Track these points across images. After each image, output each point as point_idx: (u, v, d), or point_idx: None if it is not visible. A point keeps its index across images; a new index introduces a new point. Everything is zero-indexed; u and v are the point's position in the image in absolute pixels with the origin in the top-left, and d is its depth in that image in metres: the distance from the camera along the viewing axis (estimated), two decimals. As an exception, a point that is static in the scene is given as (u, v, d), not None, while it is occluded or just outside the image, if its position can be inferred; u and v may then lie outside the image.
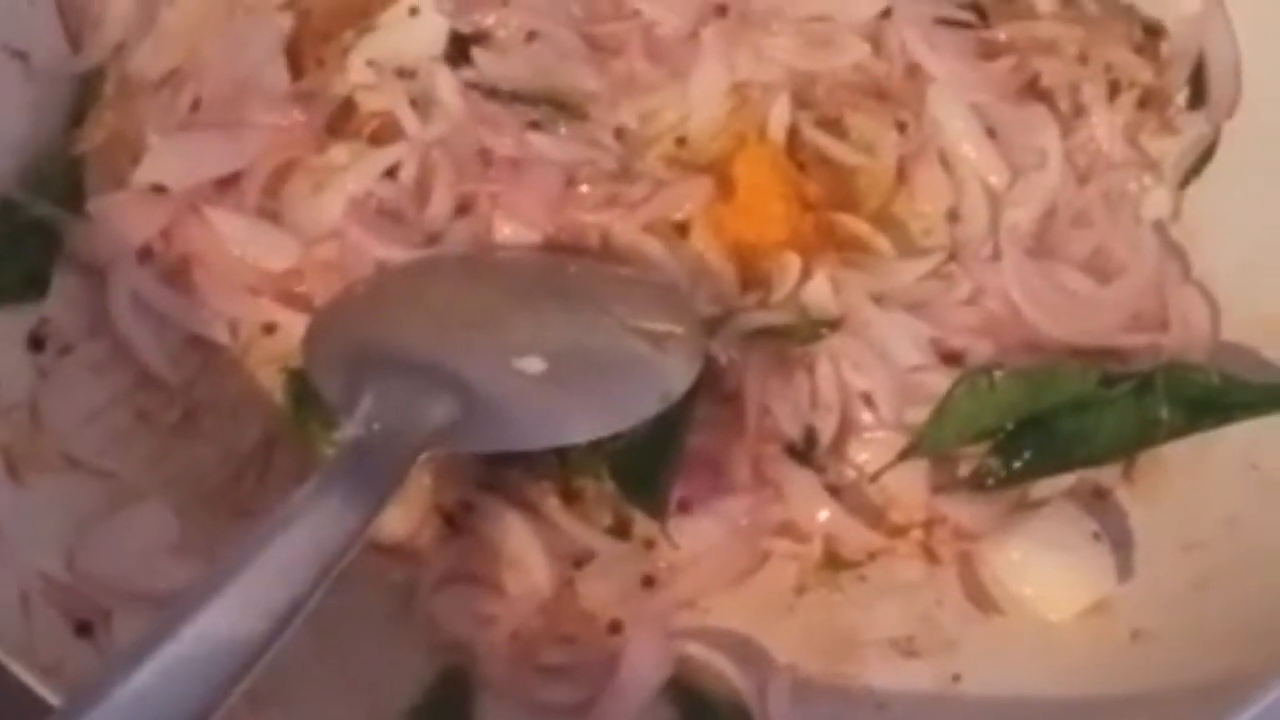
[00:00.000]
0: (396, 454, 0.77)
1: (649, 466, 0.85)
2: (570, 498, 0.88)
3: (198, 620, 0.67)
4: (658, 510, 0.85)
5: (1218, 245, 0.97)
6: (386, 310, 0.88)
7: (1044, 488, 0.90)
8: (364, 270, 0.92)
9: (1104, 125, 1.00)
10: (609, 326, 0.87)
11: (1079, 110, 1.00)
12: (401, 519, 0.85)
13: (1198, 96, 1.01)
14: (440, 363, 0.83)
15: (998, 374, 0.88)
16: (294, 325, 0.91)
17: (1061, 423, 0.89)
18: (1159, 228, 0.99)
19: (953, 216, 0.98)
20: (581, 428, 0.83)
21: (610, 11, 1.02)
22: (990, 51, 1.01)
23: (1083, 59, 1.01)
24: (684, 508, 0.87)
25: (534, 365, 0.84)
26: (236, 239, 0.93)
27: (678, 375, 0.85)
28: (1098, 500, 0.91)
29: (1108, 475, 0.91)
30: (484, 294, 0.90)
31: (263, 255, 0.93)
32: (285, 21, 1.01)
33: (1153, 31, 1.03)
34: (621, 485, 0.85)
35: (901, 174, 0.98)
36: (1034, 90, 1.01)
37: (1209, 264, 0.97)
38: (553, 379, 0.84)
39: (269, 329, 0.92)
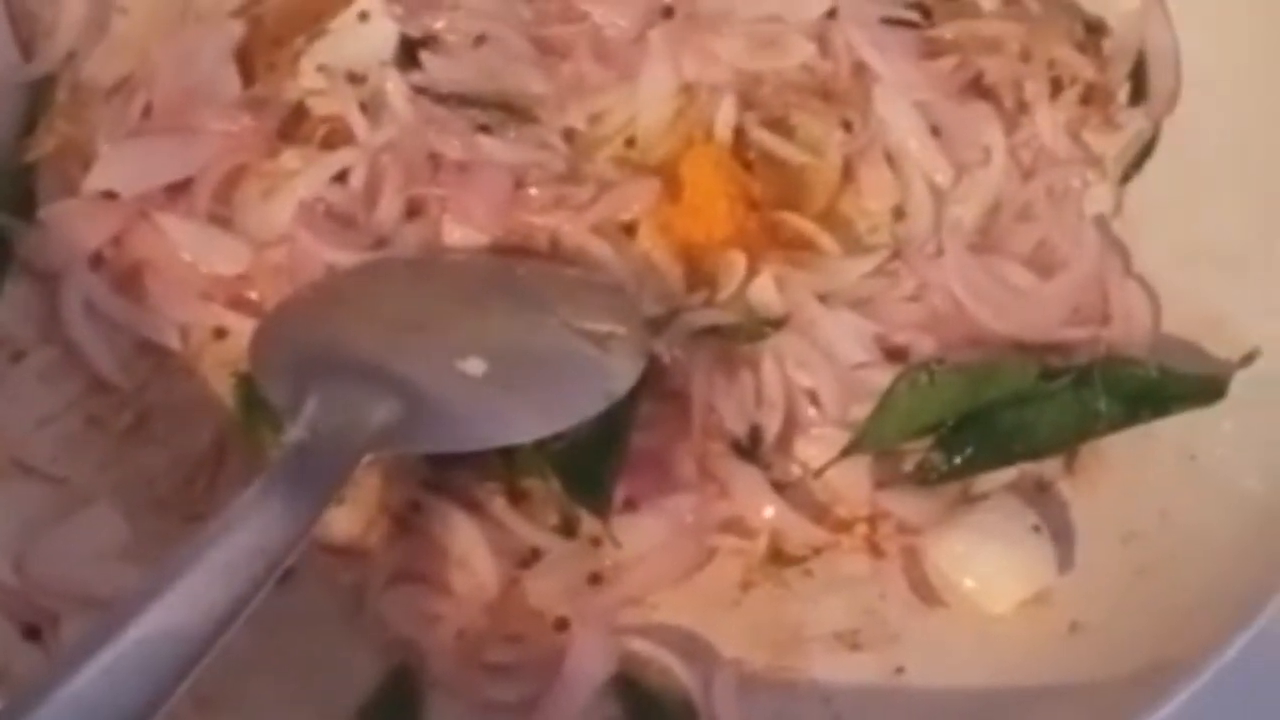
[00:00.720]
0: (339, 456, 0.78)
1: (593, 465, 0.85)
2: (517, 497, 0.89)
3: (140, 621, 0.68)
4: (601, 508, 0.85)
5: (1158, 239, 0.98)
6: (333, 314, 0.89)
7: (986, 481, 0.91)
8: (314, 274, 0.92)
9: (1047, 122, 1.00)
10: (553, 327, 0.88)
11: (1023, 107, 1.01)
12: (351, 519, 0.86)
13: (1138, 92, 1.02)
14: (384, 366, 0.84)
15: (938, 370, 0.89)
16: (244, 330, 0.91)
17: (1002, 417, 0.90)
18: (1101, 222, 0.99)
19: (898, 214, 0.99)
20: (524, 428, 0.84)
21: (558, 14, 1.03)
22: (934, 50, 1.01)
23: (1025, 56, 1.01)
24: (630, 505, 0.88)
25: (476, 367, 0.84)
26: (187, 244, 0.93)
27: (621, 375, 0.86)
28: (1040, 493, 0.91)
29: (1050, 468, 0.92)
30: (431, 297, 0.90)
31: (213, 261, 0.93)
32: (237, 28, 1.01)
33: (1094, 28, 1.04)
34: (565, 484, 0.85)
35: (848, 173, 0.99)
36: (978, 88, 1.01)
37: (1150, 258, 0.97)
38: (495, 380, 0.84)
39: (220, 334, 0.93)
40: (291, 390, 0.82)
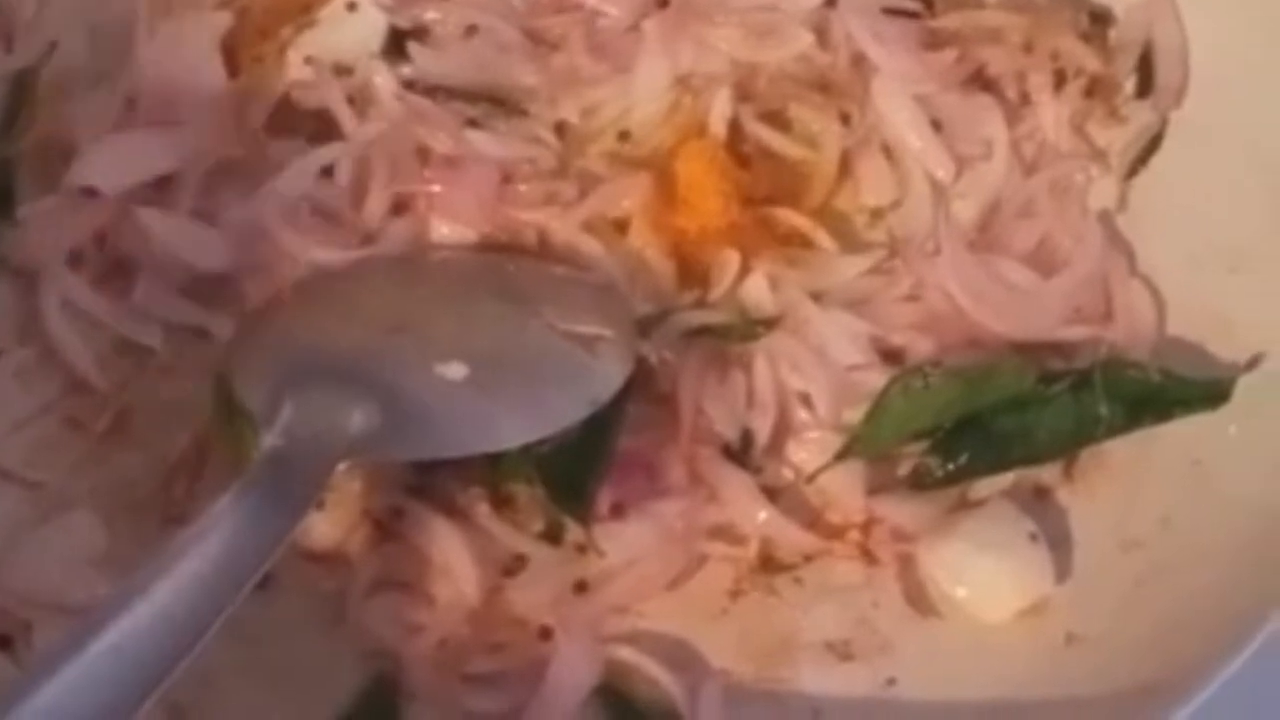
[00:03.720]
0: (315, 463, 0.78)
1: (577, 471, 0.84)
2: (501, 502, 0.87)
3: (110, 631, 0.67)
4: (582, 515, 0.84)
5: (1164, 237, 0.96)
6: (311, 316, 0.88)
7: (984, 487, 0.89)
8: (298, 272, 0.91)
9: (1050, 115, 0.99)
10: (538, 330, 0.87)
11: (1025, 100, 1.00)
12: (331, 526, 0.85)
13: (1145, 85, 1.00)
14: (363, 370, 0.83)
15: (933, 373, 0.87)
16: (226, 329, 0.91)
17: (999, 421, 0.88)
18: (1105, 219, 0.97)
19: (896, 210, 0.98)
20: (504, 434, 0.83)
21: (551, 4, 1.02)
22: (935, 41, 1.00)
23: (1028, 48, 1.00)
24: (617, 511, 0.86)
25: (458, 370, 0.84)
26: (170, 241, 0.92)
27: (606, 379, 0.85)
28: (1038, 499, 0.90)
29: (1049, 474, 0.90)
30: (414, 297, 0.90)
31: (196, 258, 0.93)
32: (223, 19, 1.00)
33: (1100, 19, 1.02)
34: (549, 489, 0.84)
35: (845, 167, 0.98)
36: (980, 80, 1.00)
37: (1155, 256, 0.95)
38: (477, 384, 0.84)
39: (201, 333, 0.92)
40: (268, 395, 0.82)
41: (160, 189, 0.94)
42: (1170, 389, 0.88)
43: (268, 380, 0.83)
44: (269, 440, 0.78)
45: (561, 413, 0.83)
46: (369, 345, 0.85)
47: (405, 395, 0.82)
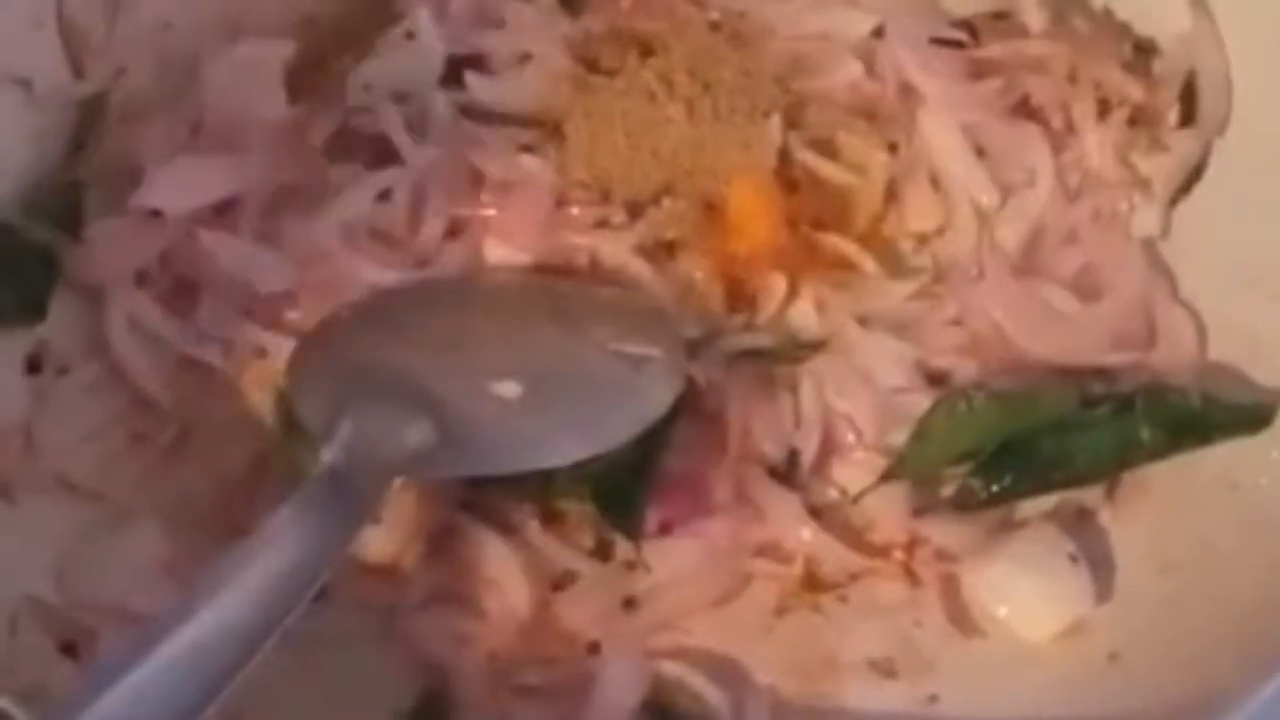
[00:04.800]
0: (371, 479, 0.79)
1: (626, 488, 0.85)
2: (551, 519, 0.89)
3: (171, 640, 0.69)
4: (632, 531, 0.86)
5: (1205, 264, 0.96)
6: (369, 335, 0.89)
7: (1026, 508, 0.90)
8: (356, 293, 0.92)
9: (1094, 143, 0.99)
10: (589, 350, 0.88)
11: (1070, 129, 1.00)
12: (386, 540, 0.85)
13: (1188, 114, 1.00)
14: (419, 388, 0.84)
15: (976, 396, 0.88)
16: (286, 349, 0.91)
17: (1042, 444, 0.89)
18: (1147, 245, 0.98)
19: (941, 236, 0.98)
20: (556, 452, 0.84)
21: (605, 34, 1.02)
22: (980, 70, 1.00)
23: (1072, 77, 1.00)
24: (665, 529, 0.88)
25: (510, 389, 0.85)
26: (232, 262, 0.93)
27: (656, 399, 0.86)
28: (1080, 521, 0.90)
29: (1091, 496, 0.91)
30: (468, 318, 0.91)
31: (258, 278, 0.93)
32: (286, 48, 1.00)
33: (1144, 49, 1.02)
34: (599, 506, 0.86)
35: (891, 194, 0.98)
36: (1024, 109, 1.00)
37: (1196, 283, 0.96)
38: (530, 403, 0.85)
39: (261, 352, 0.92)
40: (326, 412, 0.83)
41: (223, 212, 0.95)
42: (1211, 413, 0.88)
43: (326, 398, 0.84)
44: (328, 456, 0.79)
45: (612, 432, 0.84)
46: (424, 364, 0.86)
47: (460, 413, 0.83)
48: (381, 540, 0.86)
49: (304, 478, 0.82)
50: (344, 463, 0.79)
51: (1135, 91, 1.00)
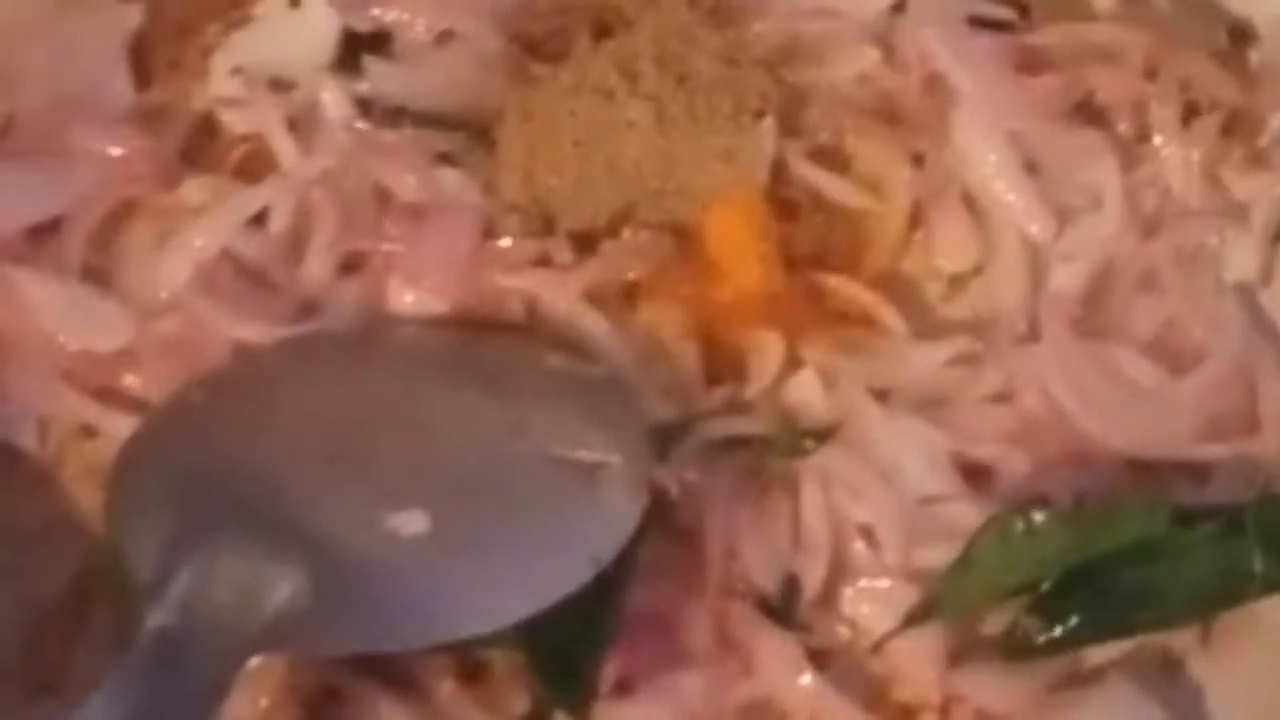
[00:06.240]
0: (216, 654, 0.66)
1: (572, 643, 0.73)
2: (470, 677, 0.76)
3: None
4: (581, 701, 0.73)
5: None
6: (225, 430, 0.77)
7: (1096, 655, 0.78)
8: (215, 354, 0.81)
9: (1176, 158, 0.89)
10: (523, 457, 0.75)
11: (1144, 138, 0.90)
12: (245, 709, 0.73)
13: (1296, 121, 0.90)
14: (288, 519, 0.71)
15: (1039, 514, 0.75)
16: (121, 428, 0.79)
17: (1122, 574, 0.77)
18: (1246, 295, 0.87)
19: (981, 278, 0.88)
20: (475, 616, 0.70)
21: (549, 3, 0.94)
22: (1032, 61, 0.91)
23: (1150, 72, 0.91)
24: (625, 686, 0.75)
25: (414, 522, 0.71)
26: (51, 310, 0.83)
27: (611, 527, 0.73)
28: (1166, 674, 0.79)
29: (1181, 640, 0.79)
30: (362, 401, 0.79)
31: (85, 333, 0.83)
32: (132, 16, 0.92)
33: (1240, 36, 0.93)
34: (536, 666, 0.73)
35: (916, 221, 0.88)
36: (1087, 111, 0.91)
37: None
38: (440, 543, 0.71)
39: (89, 432, 0.82)
40: (159, 552, 0.70)
41: (41, 239, 0.85)
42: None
43: (160, 530, 0.71)
44: (158, 616, 0.66)
45: (554, 580, 0.71)
46: (300, 482, 0.73)
47: (344, 560, 0.70)
48: (237, 709, 0.72)
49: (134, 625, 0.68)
50: (180, 629, 0.66)
51: (1230, 91, 0.91)
